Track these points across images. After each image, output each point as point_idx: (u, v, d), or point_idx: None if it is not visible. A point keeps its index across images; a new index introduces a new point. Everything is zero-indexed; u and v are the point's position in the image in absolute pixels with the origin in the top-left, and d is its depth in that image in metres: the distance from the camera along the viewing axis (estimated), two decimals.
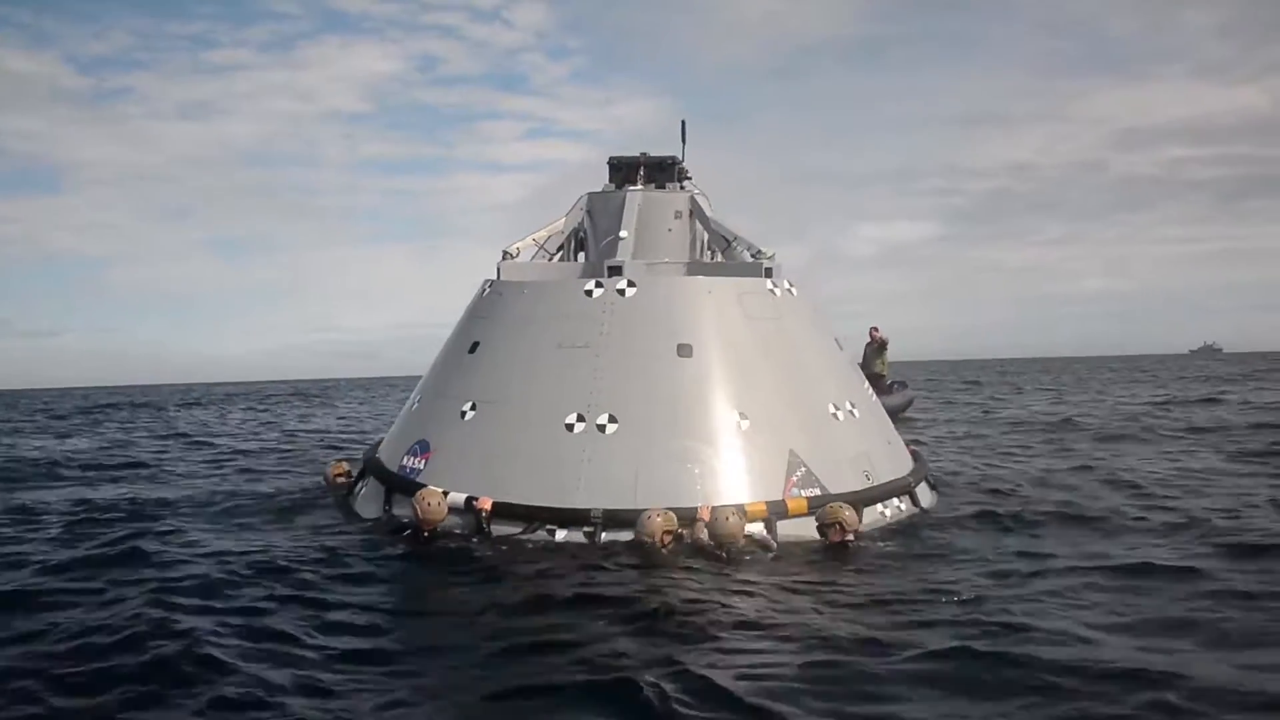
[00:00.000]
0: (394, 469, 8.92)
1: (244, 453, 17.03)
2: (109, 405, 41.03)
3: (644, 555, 7.23)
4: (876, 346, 19.80)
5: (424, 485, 8.26)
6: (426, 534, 7.84)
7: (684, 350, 8.35)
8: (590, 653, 5.28)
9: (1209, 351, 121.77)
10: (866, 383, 9.91)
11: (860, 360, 18.93)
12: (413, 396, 9.81)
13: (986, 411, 23.89)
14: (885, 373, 19.57)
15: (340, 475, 10.40)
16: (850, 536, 7.67)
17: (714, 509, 7.47)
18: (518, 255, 9.68)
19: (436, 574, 7.31)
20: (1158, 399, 27.06)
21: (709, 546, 7.38)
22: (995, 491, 10.40)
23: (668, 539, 7.36)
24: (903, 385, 20.79)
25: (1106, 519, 8.88)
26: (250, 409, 35.32)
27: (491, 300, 9.37)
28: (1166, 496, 10.11)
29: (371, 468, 9.39)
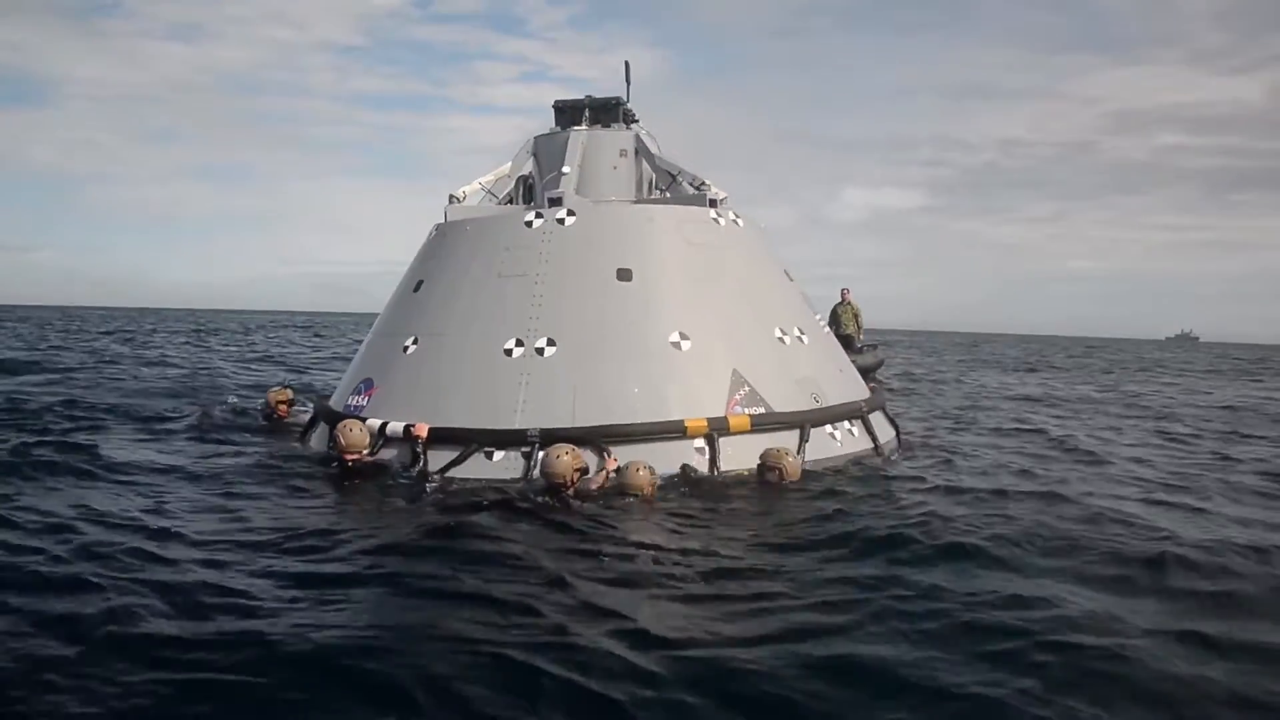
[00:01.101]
0: (340, 409, 8.84)
1: None
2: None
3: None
4: (846, 306, 20.03)
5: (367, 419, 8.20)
6: (351, 463, 7.73)
7: (624, 274, 8.27)
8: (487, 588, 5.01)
9: (1186, 339, 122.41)
10: (819, 315, 9.79)
11: (830, 320, 19.25)
12: (364, 341, 9.75)
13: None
14: (856, 333, 19.83)
15: (282, 402, 10.27)
16: (789, 482, 7.47)
17: (627, 464, 7.14)
18: (464, 199, 9.62)
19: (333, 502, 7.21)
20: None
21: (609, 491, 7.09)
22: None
23: (576, 478, 7.01)
24: (873, 347, 20.97)
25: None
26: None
27: (437, 241, 9.31)
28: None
29: (321, 412, 9.30)
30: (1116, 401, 18.63)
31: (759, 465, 7.59)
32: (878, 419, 9.23)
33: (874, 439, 8.78)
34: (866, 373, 19.76)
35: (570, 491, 6.94)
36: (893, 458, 8.93)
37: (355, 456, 7.79)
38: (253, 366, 21.44)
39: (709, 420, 7.66)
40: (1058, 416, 14.78)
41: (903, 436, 10.04)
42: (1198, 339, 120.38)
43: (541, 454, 7.17)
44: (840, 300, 20.20)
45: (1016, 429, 12.45)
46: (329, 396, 9.78)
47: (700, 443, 7.66)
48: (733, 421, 7.74)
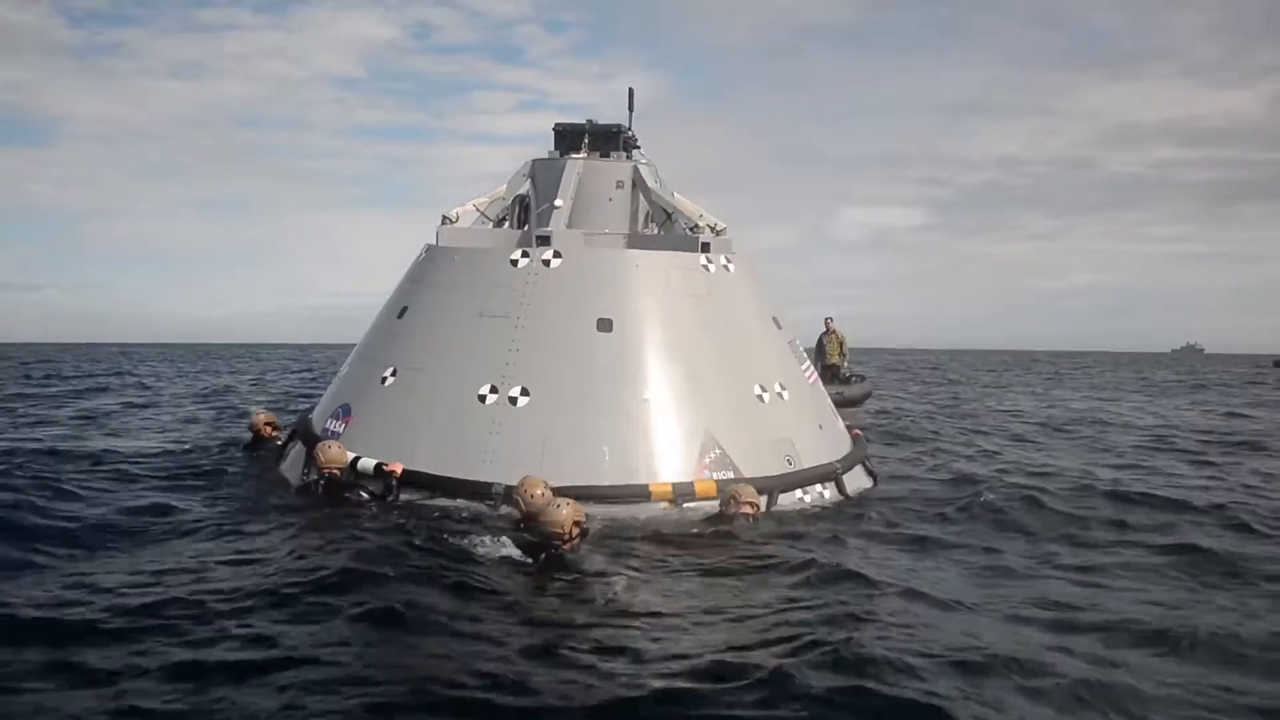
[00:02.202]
0: (319, 432, 8.88)
1: None
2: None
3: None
4: (831, 336, 20.10)
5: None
6: (326, 480, 7.82)
7: (604, 325, 8.18)
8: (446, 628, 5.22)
9: (1191, 351, 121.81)
10: (806, 362, 9.66)
11: (816, 350, 19.38)
12: (347, 360, 9.75)
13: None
14: (841, 363, 19.88)
15: (268, 424, 10.37)
16: (747, 509, 7.52)
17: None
18: (457, 220, 9.52)
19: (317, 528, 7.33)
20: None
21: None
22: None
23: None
24: (861, 378, 20.86)
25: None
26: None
27: (425, 265, 9.24)
28: None
29: (300, 431, 9.35)
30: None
31: (722, 501, 7.63)
32: (854, 475, 9.15)
33: (846, 497, 8.71)
34: (853, 403, 19.85)
35: (568, 547, 6.41)
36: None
37: (335, 472, 7.88)
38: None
39: (674, 485, 7.64)
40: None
41: (879, 488, 9.94)
42: (1203, 350, 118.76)
43: (529, 495, 6.82)
44: (825, 330, 20.22)
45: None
46: (309, 414, 9.82)
47: (665, 506, 7.65)
48: (699, 487, 7.71)
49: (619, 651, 4.93)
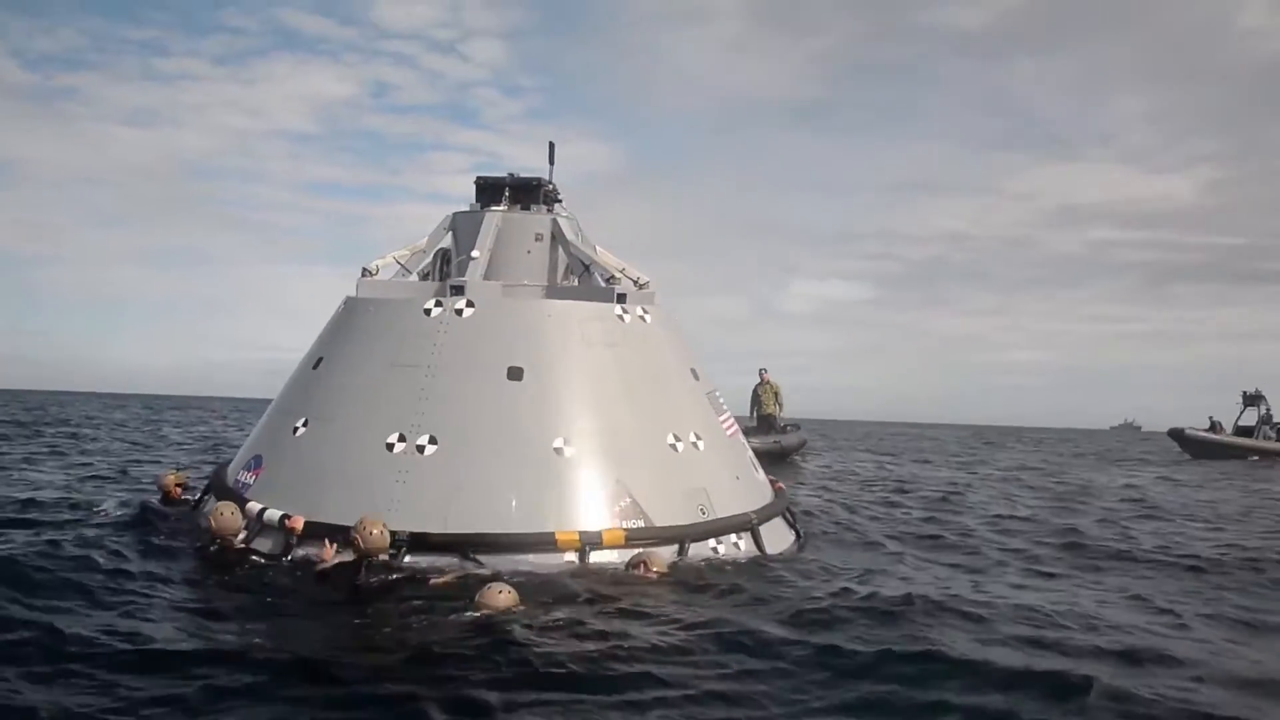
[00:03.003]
0: (231, 484, 8.75)
1: None
2: None
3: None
4: (766, 387, 20.63)
5: (249, 500, 8.15)
6: (215, 547, 7.65)
7: (514, 373, 8.17)
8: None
9: (1129, 429, 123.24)
10: (726, 414, 9.65)
11: (752, 401, 19.90)
12: (266, 412, 9.64)
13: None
14: (777, 413, 20.37)
15: (178, 485, 10.18)
16: (652, 574, 7.43)
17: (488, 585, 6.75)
18: (377, 273, 9.52)
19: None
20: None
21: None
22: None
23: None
24: (796, 427, 21.37)
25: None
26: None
27: (343, 317, 9.22)
28: None
29: (214, 484, 9.21)
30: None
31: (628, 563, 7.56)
32: (772, 527, 9.10)
33: (761, 550, 8.64)
34: (789, 453, 20.18)
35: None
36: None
37: (228, 543, 7.71)
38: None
39: (581, 534, 7.56)
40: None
41: (803, 539, 9.90)
42: (1139, 428, 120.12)
43: (368, 534, 7.01)
44: (760, 381, 20.66)
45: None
46: (225, 465, 9.68)
47: (572, 556, 7.56)
48: (606, 535, 7.64)
49: None
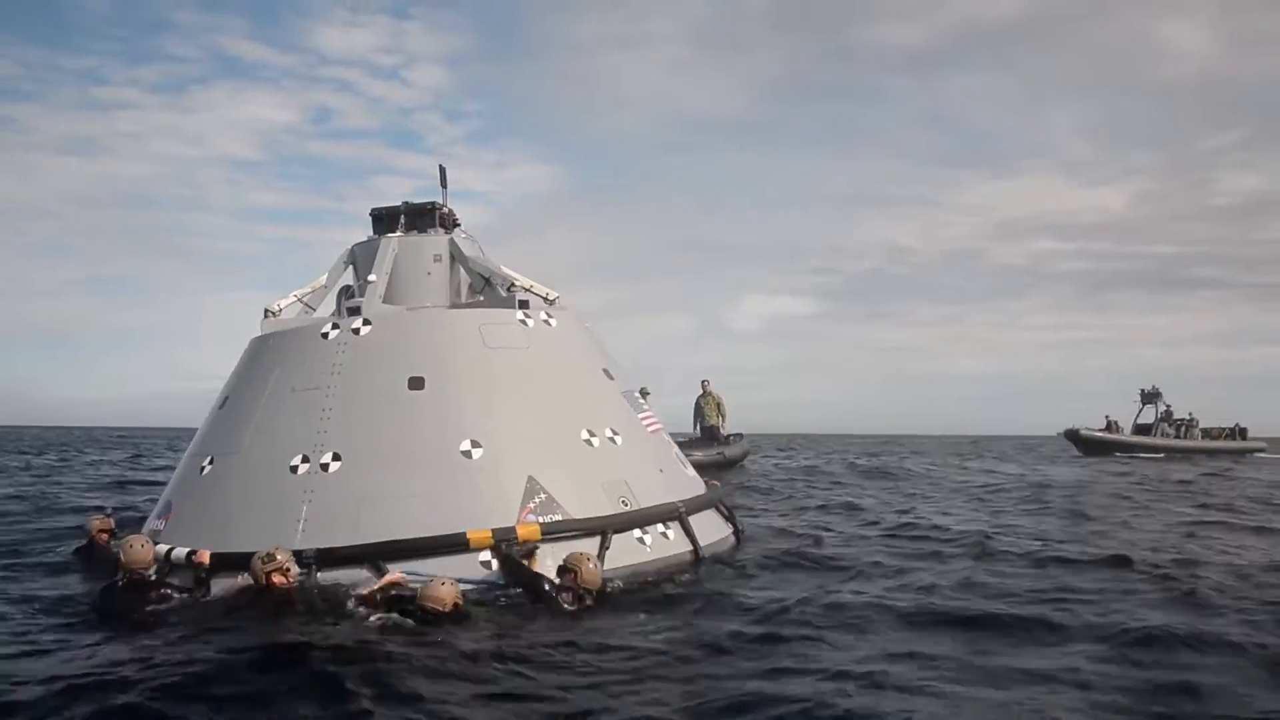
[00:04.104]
0: (144, 533, 8.48)
1: None
2: None
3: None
4: (708, 398, 20.83)
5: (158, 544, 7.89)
6: (124, 581, 7.31)
7: (415, 383, 8.05)
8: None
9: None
10: (647, 412, 9.53)
11: (695, 412, 20.12)
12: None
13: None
14: (720, 424, 20.55)
15: (103, 531, 9.81)
16: (585, 599, 6.98)
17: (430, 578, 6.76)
18: (280, 313, 9.42)
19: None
20: None
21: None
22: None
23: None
24: (739, 437, 21.49)
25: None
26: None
27: (247, 356, 9.09)
28: None
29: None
30: None
31: (558, 568, 7.25)
32: (705, 518, 8.92)
33: (693, 541, 8.44)
34: (733, 463, 20.17)
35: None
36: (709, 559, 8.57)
37: (139, 574, 7.39)
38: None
39: (494, 531, 7.36)
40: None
41: (743, 533, 9.73)
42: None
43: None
44: (702, 392, 20.77)
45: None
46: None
47: (487, 555, 7.34)
48: (521, 531, 7.43)
49: None
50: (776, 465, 25.80)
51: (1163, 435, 42.43)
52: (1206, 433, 44.00)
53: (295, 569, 6.88)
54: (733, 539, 9.54)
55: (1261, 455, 42.59)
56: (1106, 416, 43.07)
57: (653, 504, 8.33)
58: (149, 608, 7.10)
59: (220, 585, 7.32)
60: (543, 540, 7.45)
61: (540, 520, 7.57)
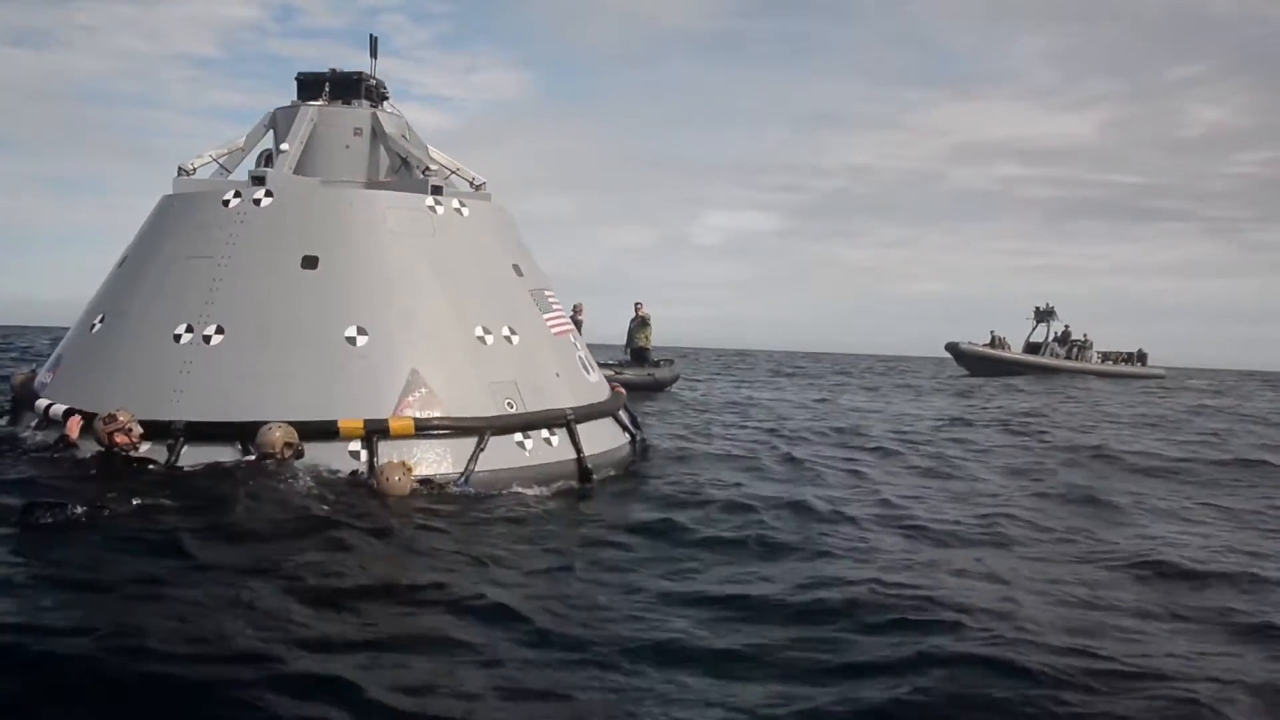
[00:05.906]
0: (36, 386, 8.50)
1: None
2: None
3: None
4: (640, 321, 21.04)
5: (38, 397, 7.95)
6: None
7: (309, 262, 7.90)
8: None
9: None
10: (556, 312, 9.38)
11: (627, 335, 20.40)
12: None
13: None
14: (648, 346, 20.87)
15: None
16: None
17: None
18: (194, 172, 9.20)
19: None
20: None
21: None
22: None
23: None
24: (670, 362, 21.74)
25: None
26: None
27: (154, 215, 8.91)
28: None
29: (19, 390, 8.94)
30: None
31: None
32: (597, 427, 8.90)
33: (578, 449, 8.42)
34: (663, 385, 20.30)
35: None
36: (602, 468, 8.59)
37: None
38: None
39: (366, 422, 7.33)
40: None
41: (647, 443, 9.74)
42: None
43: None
44: (634, 315, 20.87)
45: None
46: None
47: (357, 445, 7.34)
48: (394, 425, 7.40)
49: None
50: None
51: (1052, 355, 40.69)
52: (1105, 355, 42.72)
53: (138, 429, 6.92)
54: (628, 449, 9.54)
55: (1160, 381, 41.20)
56: (992, 331, 40.72)
57: (541, 408, 8.29)
58: None
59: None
60: (415, 436, 7.46)
61: (415, 415, 7.54)
